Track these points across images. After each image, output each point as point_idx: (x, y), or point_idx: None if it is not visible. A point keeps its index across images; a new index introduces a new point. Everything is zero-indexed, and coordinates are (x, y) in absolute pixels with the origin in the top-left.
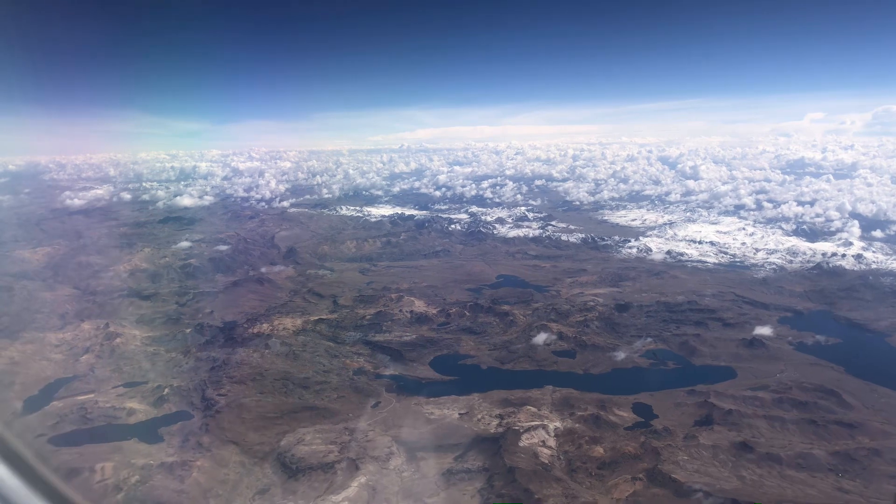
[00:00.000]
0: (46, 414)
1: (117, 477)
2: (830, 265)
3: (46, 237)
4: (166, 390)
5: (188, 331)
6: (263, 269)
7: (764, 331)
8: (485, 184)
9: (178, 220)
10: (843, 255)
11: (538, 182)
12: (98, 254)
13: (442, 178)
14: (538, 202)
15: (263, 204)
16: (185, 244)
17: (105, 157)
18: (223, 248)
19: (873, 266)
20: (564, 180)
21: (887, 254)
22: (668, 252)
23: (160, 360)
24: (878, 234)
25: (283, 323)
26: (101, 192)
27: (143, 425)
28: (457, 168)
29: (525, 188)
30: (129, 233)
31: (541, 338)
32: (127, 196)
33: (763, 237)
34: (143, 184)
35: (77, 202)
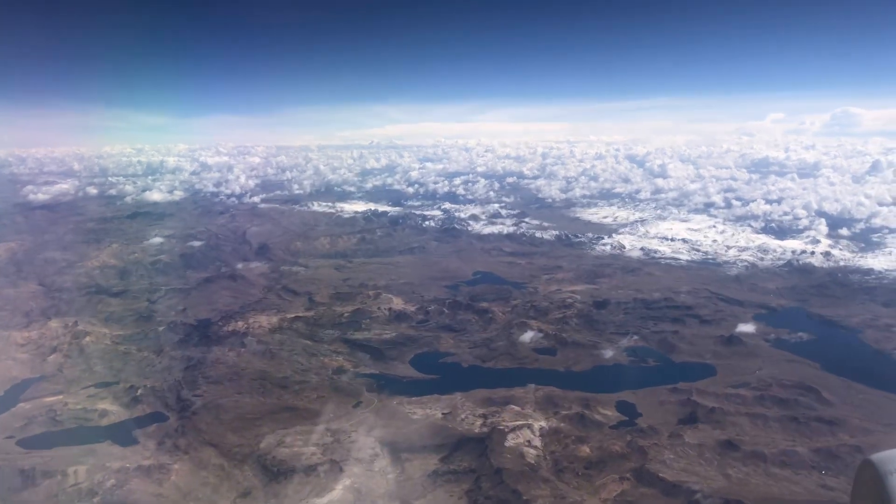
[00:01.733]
0: (14, 415)
1: (91, 481)
2: (800, 262)
3: (8, 232)
4: (140, 391)
5: (161, 329)
6: (237, 266)
7: (741, 328)
8: (457, 181)
9: (147, 215)
10: (812, 253)
11: (510, 179)
12: (64, 250)
13: (414, 175)
14: (511, 199)
15: (234, 199)
16: (155, 240)
17: (68, 150)
18: (195, 244)
19: (841, 263)
20: (535, 178)
21: (853, 251)
22: (642, 249)
23: (132, 360)
24: (844, 231)
25: (259, 321)
26: (65, 186)
27: (117, 427)
28: (428, 164)
29: (497, 185)
30: (96, 228)
31: (521, 335)
32: (93, 191)
33: (734, 235)
34: (110, 178)
35: (41, 197)
